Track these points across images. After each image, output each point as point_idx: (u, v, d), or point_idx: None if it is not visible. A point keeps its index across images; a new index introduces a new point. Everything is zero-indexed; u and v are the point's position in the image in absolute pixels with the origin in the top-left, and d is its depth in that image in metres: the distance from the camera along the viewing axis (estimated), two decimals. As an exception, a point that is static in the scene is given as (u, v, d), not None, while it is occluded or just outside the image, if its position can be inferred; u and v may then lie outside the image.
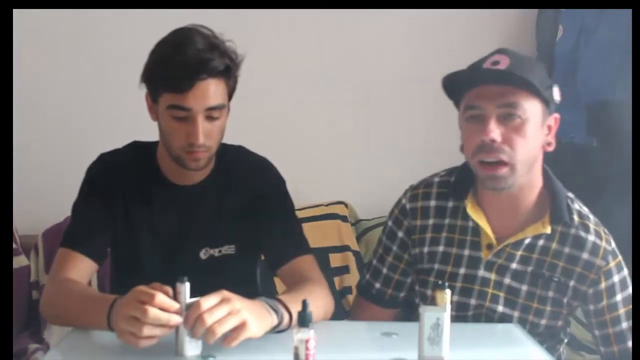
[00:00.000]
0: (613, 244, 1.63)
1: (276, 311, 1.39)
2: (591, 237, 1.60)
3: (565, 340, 1.74)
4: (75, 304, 1.48)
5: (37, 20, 2.60)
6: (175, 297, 1.29)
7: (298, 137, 2.72)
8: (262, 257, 1.80)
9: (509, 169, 1.51)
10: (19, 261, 2.43)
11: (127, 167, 1.67)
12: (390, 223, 1.74)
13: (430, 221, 1.67)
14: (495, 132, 1.49)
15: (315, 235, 2.03)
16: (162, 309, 1.26)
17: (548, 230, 1.59)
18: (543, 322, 1.63)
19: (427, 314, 1.29)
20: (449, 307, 1.29)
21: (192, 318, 1.27)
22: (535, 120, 1.53)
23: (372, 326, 1.66)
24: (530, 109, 1.52)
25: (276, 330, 1.39)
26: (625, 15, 2.25)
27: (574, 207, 1.63)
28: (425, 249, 1.67)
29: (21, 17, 2.24)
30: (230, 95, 1.60)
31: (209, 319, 1.26)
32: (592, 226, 1.62)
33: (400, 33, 2.70)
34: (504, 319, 1.62)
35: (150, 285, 1.30)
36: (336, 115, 2.75)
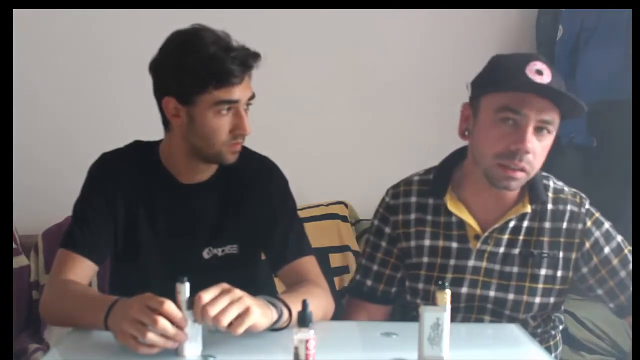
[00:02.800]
0: (587, 205, 1.69)
1: (275, 306, 1.40)
2: (568, 207, 1.67)
3: (561, 327, 1.77)
4: (74, 303, 1.48)
5: (37, 21, 2.60)
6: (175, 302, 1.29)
7: (298, 137, 2.72)
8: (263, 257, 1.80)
9: (526, 174, 1.57)
10: (19, 261, 2.42)
11: (130, 167, 1.67)
12: (376, 222, 1.78)
13: (412, 216, 1.72)
14: (532, 142, 1.53)
15: (315, 235, 2.03)
16: (169, 317, 1.27)
17: (528, 209, 1.65)
18: (537, 300, 1.66)
19: (427, 314, 1.29)
20: (449, 307, 1.29)
21: (197, 313, 1.28)
22: (554, 135, 1.59)
23: (372, 326, 1.67)
24: (557, 124, 1.57)
25: (276, 325, 1.40)
26: (624, 15, 2.25)
27: (549, 185, 1.69)
28: (412, 243, 1.71)
29: (21, 17, 2.24)
30: None
31: (212, 311, 1.27)
32: (567, 197, 1.69)
33: (399, 33, 2.70)
34: (498, 302, 1.66)
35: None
36: (336, 116, 2.75)
